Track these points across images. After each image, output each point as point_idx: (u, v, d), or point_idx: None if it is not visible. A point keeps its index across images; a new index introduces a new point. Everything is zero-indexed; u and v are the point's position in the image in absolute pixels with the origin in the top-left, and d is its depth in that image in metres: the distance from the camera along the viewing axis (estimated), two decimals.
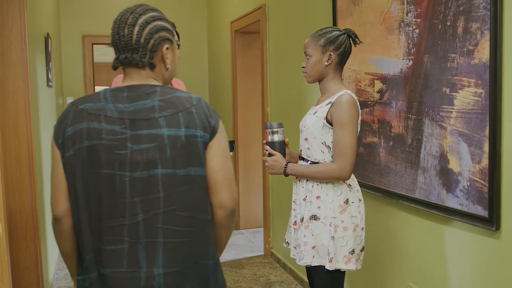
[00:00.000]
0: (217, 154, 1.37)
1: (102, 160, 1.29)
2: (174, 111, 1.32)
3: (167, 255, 1.31)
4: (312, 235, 2.04)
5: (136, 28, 1.33)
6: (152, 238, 1.30)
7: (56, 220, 1.39)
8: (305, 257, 2.05)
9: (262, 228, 4.73)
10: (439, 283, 2.15)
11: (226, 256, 4.32)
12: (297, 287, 3.59)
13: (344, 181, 2.06)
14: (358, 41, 2.12)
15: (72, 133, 1.31)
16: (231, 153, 2.41)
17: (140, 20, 1.34)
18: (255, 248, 4.52)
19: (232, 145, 2.39)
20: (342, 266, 2.02)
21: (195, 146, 1.32)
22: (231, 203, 1.39)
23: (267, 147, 2.20)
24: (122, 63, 1.37)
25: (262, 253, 4.37)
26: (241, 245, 4.63)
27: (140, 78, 1.38)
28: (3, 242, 1.75)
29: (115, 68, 1.38)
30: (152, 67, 1.37)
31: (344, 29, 2.11)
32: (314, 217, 2.05)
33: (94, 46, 5.83)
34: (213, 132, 1.36)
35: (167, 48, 1.40)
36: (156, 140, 1.30)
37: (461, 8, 1.90)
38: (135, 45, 1.34)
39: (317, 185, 2.06)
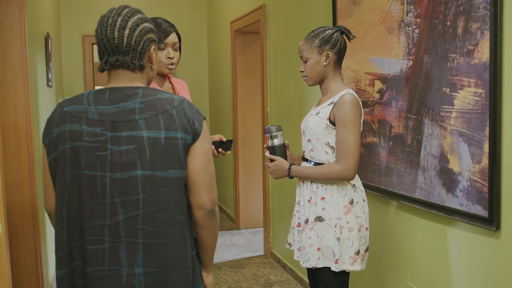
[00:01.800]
0: (199, 156, 1.38)
1: (83, 161, 1.32)
2: (155, 113, 1.34)
3: (147, 255, 1.34)
4: (317, 236, 2.03)
5: (127, 31, 1.35)
6: (132, 238, 1.33)
7: (48, 215, 1.51)
8: (311, 259, 2.04)
9: (262, 228, 4.72)
10: (439, 283, 2.15)
11: (226, 256, 4.32)
12: (297, 287, 3.59)
13: (348, 182, 2.05)
14: (352, 36, 2.11)
15: (56, 134, 1.35)
16: (229, 152, 2.40)
17: (130, 23, 1.36)
18: (255, 248, 4.51)
19: (230, 144, 2.38)
20: (348, 267, 2.01)
21: (175, 148, 1.34)
22: (210, 204, 1.40)
23: (267, 153, 2.18)
24: (113, 65, 1.38)
25: (262, 253, 4.37)
26: (241, 245, 4.63)
27: (127, 80, 1.40)
28: (3, 242, 1.75)
29: (102, 70, 1.39)
30: (141, 68, 1.40)
31: (336, 27, 2.11)
32: (319, 219, 2.04)
33: (94, 46, 5.83)
34: (196, 135, 1.38)
35: (153, 49, 1.43)
36: (136, 142, 1.32)
37: (461, 8, 1.90)
38: (126, 48, 1.35)
39: (322, 186, 2.05)
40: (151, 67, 1.45)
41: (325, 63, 2.06)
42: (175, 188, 1.35)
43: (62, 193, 1.35)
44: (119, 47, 1.35)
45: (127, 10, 1.38)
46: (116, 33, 1.34)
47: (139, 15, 1.39)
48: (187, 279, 1.39)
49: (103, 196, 1.32)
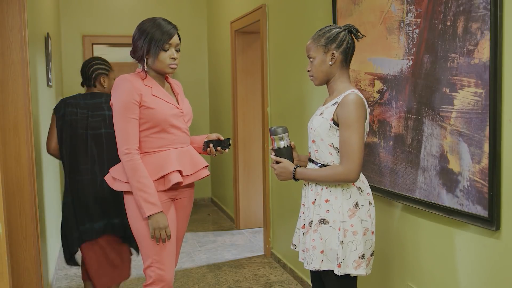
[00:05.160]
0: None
1: (78, 125, 2.74)
2: (106, 103, 2.79)
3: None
4: (321, 239, 2.01)
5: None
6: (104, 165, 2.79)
7: (52, 154, 2.89)
8: (314, 262, 2.01)
9: (262, 228, 4.72)
10: (439, 283, 2.15)
11: (226, 256, 4.33)
12: (297, 287, 3.59)
13: (353, 184, 2.02)
14: (360, 35, 2.06)
15: (64, 112, 2.75)
16: (227, 151, 2.40)
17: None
18: (255, 248, 4.51)
19: (228, 143, 2.38)
20: (352, 271, 1.98)
21: (111, 118, 2.58)
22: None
23: (273, 155, 2.15)
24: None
25: (262, 253, 4.37)
26: (241, 245, 4.63)
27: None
28: (3, 242, 1.75)
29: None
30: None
31: (344, 25, 2.06)
32: (322, 221, 2.01)
33: (94, 46, 5.82)
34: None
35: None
36: (102, 116, 2.76)
37: (461, 8, 1.90)
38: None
39: (326, 188, 2.03)
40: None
41: (330, 63, 2.02)
42: (114, 137, 2.42)
43: (67, 140, 2.76)
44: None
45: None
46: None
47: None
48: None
49: (87, 141, 2.75)
